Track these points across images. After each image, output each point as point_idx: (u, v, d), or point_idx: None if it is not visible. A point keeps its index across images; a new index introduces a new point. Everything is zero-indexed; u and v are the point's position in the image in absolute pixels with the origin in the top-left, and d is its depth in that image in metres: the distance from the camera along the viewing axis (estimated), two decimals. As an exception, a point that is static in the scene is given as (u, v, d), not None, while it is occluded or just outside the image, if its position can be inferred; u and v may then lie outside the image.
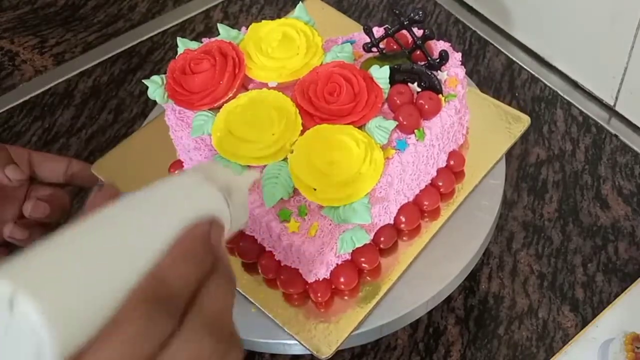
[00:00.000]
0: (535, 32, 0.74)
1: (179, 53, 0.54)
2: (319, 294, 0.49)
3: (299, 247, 0.46)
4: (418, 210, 0.52)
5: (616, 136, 0.68)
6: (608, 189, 0.64)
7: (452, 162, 0.54)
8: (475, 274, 0.58)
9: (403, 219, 0.51)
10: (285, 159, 0.48)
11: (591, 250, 0.60)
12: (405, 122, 0.49)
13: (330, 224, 0.46)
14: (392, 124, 0.49)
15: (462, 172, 0.55)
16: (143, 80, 0.53)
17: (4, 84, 0.78)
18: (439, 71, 0.52)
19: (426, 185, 0.53)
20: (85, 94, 0.76)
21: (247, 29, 0.55)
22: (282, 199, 0.47)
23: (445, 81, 0.52)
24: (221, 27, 0.56)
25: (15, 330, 0.23)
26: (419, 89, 0.51)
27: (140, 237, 0.26)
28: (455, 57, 0.54)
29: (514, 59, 0.75)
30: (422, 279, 0.51)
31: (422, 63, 0.52)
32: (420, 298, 0.50)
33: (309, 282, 0.49)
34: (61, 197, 0.54)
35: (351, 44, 0.55)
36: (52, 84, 0.77)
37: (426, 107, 0.50)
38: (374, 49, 0.54)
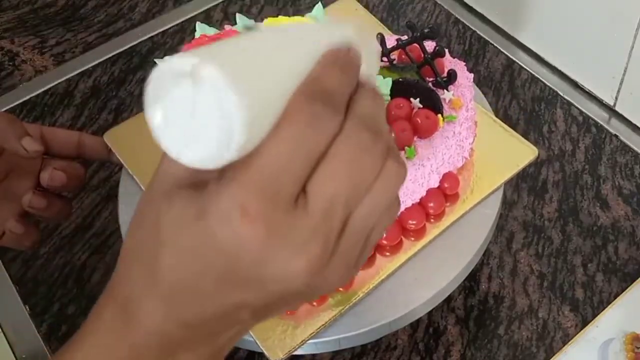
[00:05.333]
0: (535, 32, 0.74)
1: (195, 37, 0.54)
2: None
3: None
4: (399, 228, 0.51)
5: (616, 136, 0.68)
6: (608, 189, 0.64)
7: (445, 185, 0.53)
8: (475, 274, 0.58)
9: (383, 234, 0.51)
10: None
11: (591, 250, 0.60)
12: (395, 138, 0.48)
13: None
14: None
15: (456, 194, 0.54)
16: (155, 60, 0.53)
17: (4, 84, 0.78)
18: (445, 90, 0.51)
19: (413, 204, 0.52)
20: (86, 94, 0.76)
21: (262, 21, 0.55)
22: None
23: (449, 101, 0.51)
24: (239, 17, 0.56)
25: (202, 104, 0.23)
26: (420, 105, 0.50)
27: (302, 47, 0.27)
28: (467, 77, 0.53)
29: (514, 59, 0.75)
30: (422, 278, 0.51)
31: (430, 79, 0.51)
32: (420, 298, 0.50)
33: None
34: (76, 168, 0.55)
35: None
36: (52, 84, 0.77)
37: (421, 125, 0.49)
38: (384, 59, 0.53)
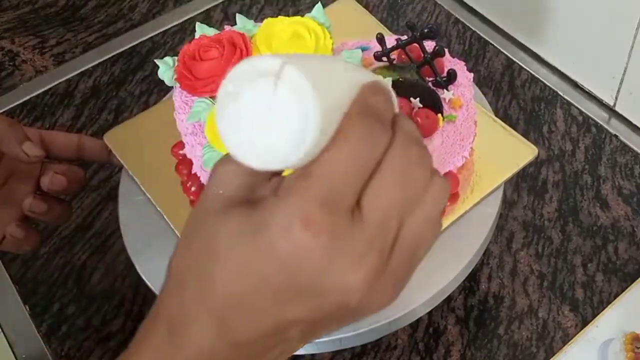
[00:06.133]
0: (535, 32, 0.74)
1: (195, 37, 0.54)
2: None
3: None
4: None
5: (616, 136, 0.68)
6: (608, 189, 0.64)
7: None
8: (475, 274, 0.58)
9: None
10: None
11: (591, 250, 0.60)
12: None
13: None
14: None
15: (456, 194, 0.53)
16: (155, 60, 0.53)
17: (4, 84, 0.78)
18: (445, 90, 0.51)
19: None
20: (86, 94, 0.76)
21: (262, 22, 0.55)
22: None
23: (449, 101, 0.51)
24: (239, 17, 0.55)
25: (280, 103, 0.24)
26: (420, 105, 0.51)
27: (348, 73, 0.29)
28: (467, 76, 0.53)
29: (514, 59, 0.75)
30: (422, 279, 0.50)
31: (430, 79, 0.51)
32: (420, 298, 0.50)
33: None
34: (76, 172, 0.55)
35: (363, 50, 0.54)
36: (52, 84, 0.77)
37: (421, 125, 0.49)
38: (384, 59, 0.53)
